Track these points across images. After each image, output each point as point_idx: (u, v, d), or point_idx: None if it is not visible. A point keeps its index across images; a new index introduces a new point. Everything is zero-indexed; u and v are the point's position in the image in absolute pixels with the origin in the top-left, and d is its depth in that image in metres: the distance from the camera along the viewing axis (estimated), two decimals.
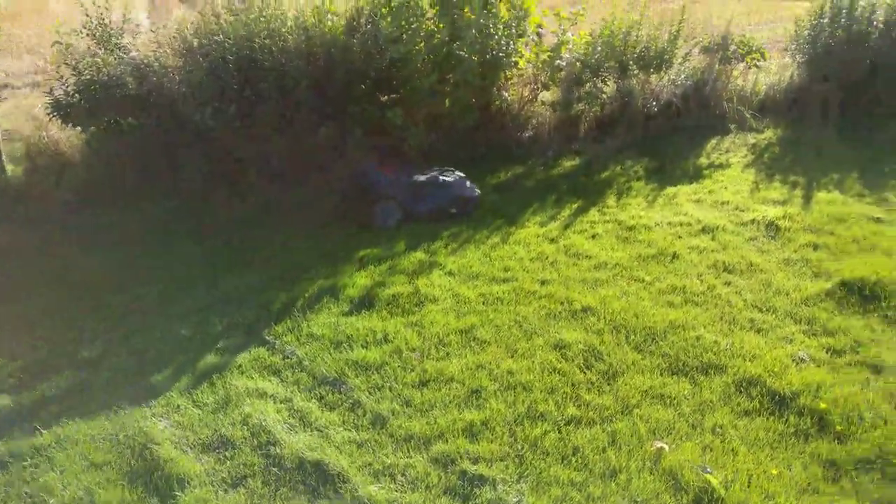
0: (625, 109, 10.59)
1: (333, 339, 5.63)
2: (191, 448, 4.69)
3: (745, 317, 5.71)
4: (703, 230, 7.36)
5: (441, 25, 8.80)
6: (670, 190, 8.64)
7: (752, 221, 7.47)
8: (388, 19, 8.41)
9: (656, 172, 9.40)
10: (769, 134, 10.81)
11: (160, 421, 4.94)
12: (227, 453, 4.61)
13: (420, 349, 5.44)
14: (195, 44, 7.95)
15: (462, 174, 8.41)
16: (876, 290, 5.89)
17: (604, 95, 10.45)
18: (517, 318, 5.82)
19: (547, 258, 6.88)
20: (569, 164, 9.94)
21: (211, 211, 8.32)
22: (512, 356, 5.33)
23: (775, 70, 11.76)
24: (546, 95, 10.37)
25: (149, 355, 5.67)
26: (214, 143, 8.26)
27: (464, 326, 5.70)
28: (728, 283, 6.29)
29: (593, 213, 8.02)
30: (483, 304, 6.07)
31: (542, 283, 6.41)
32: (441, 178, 8.04)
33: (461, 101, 8.97)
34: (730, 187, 8.65)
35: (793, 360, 5.10)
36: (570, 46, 9.62)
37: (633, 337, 5.47)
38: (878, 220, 7.44)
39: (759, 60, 10.83)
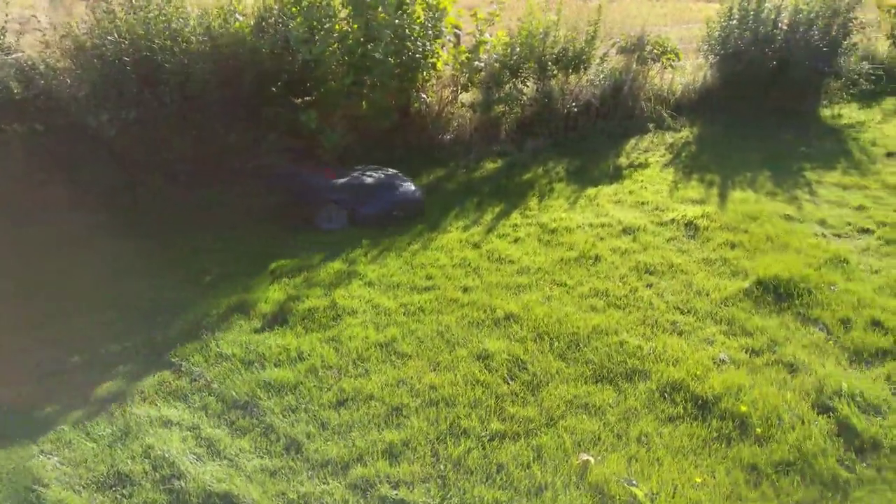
0: (545, 110, 10.58)
1: (244, 358, 5.27)
2: (83, 487, 4.25)
3: (667, 319, 5.69)
4: (625, 231, 7.36)
5: (356, 26, 8.51)
6: (591, 191, 8.64)
7: (672, 221, 7.53)
8: (299, 19, 8.06)
9: (577, 173, 9.40)
10: (686, 133, 11.04)
11: (49, 458, 4.46)
12: (124, 490, 4.20)
13: (337, 367, 5.15)
14: (88, 44, 7.36)
15: (402, 175, 8.23)
16: (789, 287, 5.99)
17: (524, 97, 10.41)
18: (439, 328, 5.61)
19: (469, 264, 6.71)
20: (491, 166, 9.83)
21: (115, 220, 7.75)
22: (434, 369, 5.11)
23: (690, 70, 12.03)
24: (466, 97, 10.23)
25: (38, 383, 5.16)
26: (116, 149, 7.69)
27: (384, 340, 5.44)
28: (650, 285, 6.27)
29: (515, 216, 7.91)
30: (404, 314, 5.83)
31: (465, 290, 6.23)
32: (387, 179, 7.91)
33: (378, 103, 8.71)
34: (649, 187, 8.72)
35: (714, 363, 5.09)
36: (489, 47, 9.50)
37: (556, 344, 5.35)
38: (788, 218, 7.63)
39: (674, 61, 11.03)
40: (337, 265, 6.73)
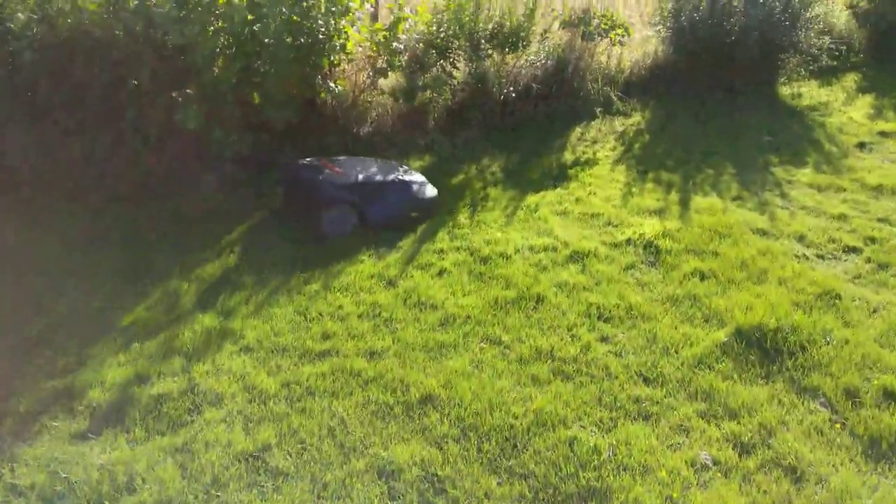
0: (479, 95, 9.11)
1: (48, 489, 3.76)
2: None
3: (628, 394, 4.42)
4: (572, 257, 6.04)
5: (243, 1, 6.81)
6: (532, 199, 7.27)
7: (628, 242, 6.24)
8: None
9: (516, 173, 8.02)
10: (637, 118, 9.76)
11: None
12: None
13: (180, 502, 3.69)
14: None
15: (416, 172, 7.22)
16: (777, 341, 4.79)
17: (454, 80, 8.91)
18: (332, 423, 4.21)
19: (380, 313, 5.29)
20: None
21: None
22: (318, 497, 3.71)
23: (639, 46, 10.71)
24: (387, 83, 8.66)
25: None
26: None
27: (254, 448, 4.01)
28: (605, 339, 4.99)
29: (442, 237, 6.49)
30: (287, 401, 4.39)
31: (372, 355, 4.82)
32: (402, 177, 6.93)
33: (274, 94, 7.08)
34: (599, 192, 7.41)
35: (694, 469, 3.84)
36: (409, 25, 7.93)
37: (486, 446, 4.01)
38: (763, 234, 6.44)
39: (623, 36, 9.67)
40: (208, 320, 5.20)
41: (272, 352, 4.87)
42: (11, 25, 5.88)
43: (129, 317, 5.29)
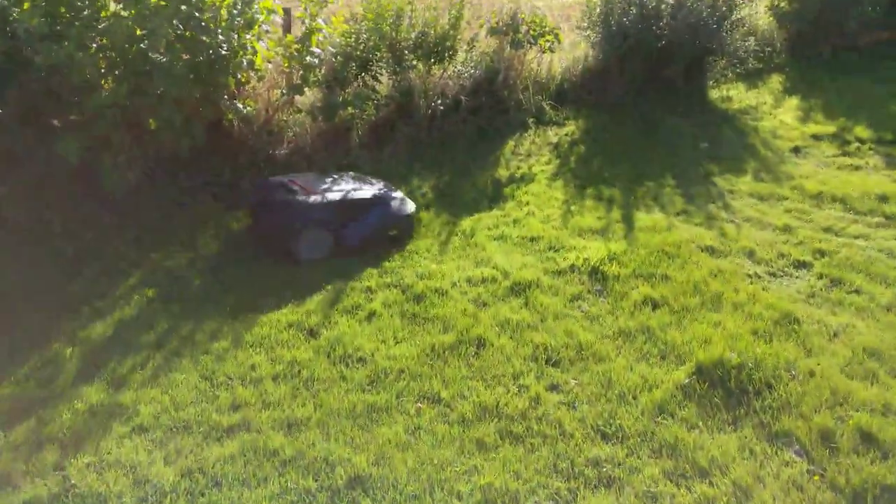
0: (405, 110, 8.51)
1: None
2: None
3: (586, 457, 3.89)
4: (514, 290, 5.50)
5: (132, 12, 5.98)
6: (467, 223, 6.71)
7: (572, 269, 5.75)
8: (26, 6, 5.46)
9: (448, 194, 7.45)
10: (571, 127, 9.34)
11: None
12: None
13: None
14: None
15: (392, 186, 6.74)
16: (741, 379, 4.36)
17: (377, 95, 8.27)
18: None
19: (300, 372, 4.60)
20: None
21: None
22: None
23: (569, 52, 10.32)
24: (304, 100, 7.94)
25: None
26: None
27: None
28: (555, 387, 4.46)
29: (369, 272, 5.84)
30: (187, 496, 3.66)
31: (291, 427, 4.13)
32: (379, 193, 6.42)
33: (172, 118, 6.27)
34: (537, 212, 6.91)
35: None
36: (323, 37, 7.24)
37: None
38: (712, 252, 6.07)
39: (552, 42, 9.23)
40: (93, 393, 4.40)
41: (171, 430, 4.12)
42: None
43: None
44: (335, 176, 6.71)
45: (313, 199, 6.06)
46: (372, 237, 6.20)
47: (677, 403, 4.25)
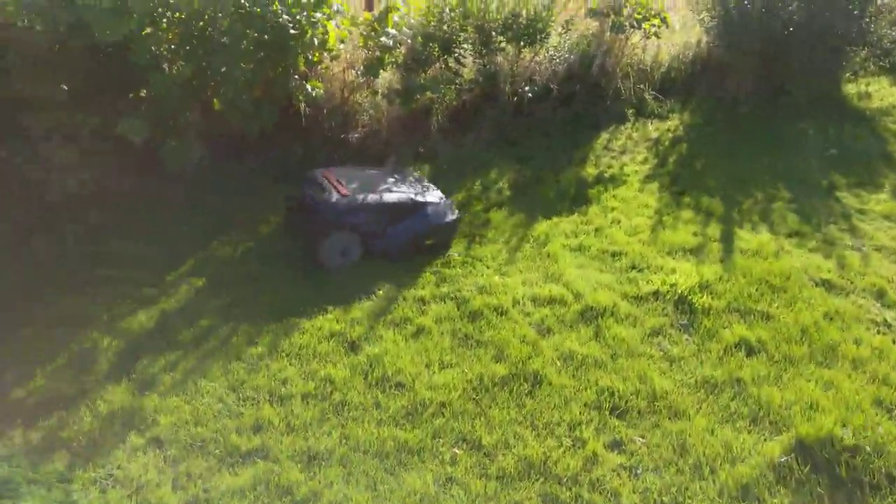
0: (489, 96, 7.88)
1: None
2: None
3: None
4: (584, 316, 4.83)
5: None
6: (542, 227, 6.05)
7: (656, 296, 5.01)
8: None
9: (526, 190, 6.80)
10: (674, 122, 8.40)
11: None
12: None
13: None
14: None
15: (433, 187, 6.03)
16: (855, 466, 3.54)
17: (460, 79, 7.66)
18: None
19: (332, 394, 4.17)
20: None
21: None
22: None
23: (680, 37, 9.29)
24: (383, 82, 7.45)
25: None
26: None
27: None
28: (617, 446, 3.80)
29: (426, 279, 5.33)
30: None
31: (311, 461, 3.71)
32: (417, 198, 5.69)
33: (237, 99, 5.95)
34: (624, 221, 6.15)
35: None
36: (399, 17, 6.68)
37: None
38: (829, 287, 5.13)
39: (660, 28, 8.27)
40: (118, 395, 4.14)
41: (187, 448, 3.79)
42: None
43: (24, 387, 4.26)
44: (376, 174, 6.07)
45: (344, 200, 5.44)
46: (406, 246, 5.57)
47: (767, 487, 3.51)
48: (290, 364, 4.42)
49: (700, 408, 4.01)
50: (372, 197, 5.58)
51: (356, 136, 7.44)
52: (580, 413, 4.00)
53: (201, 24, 5.70)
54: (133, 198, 6.14)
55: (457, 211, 5.90)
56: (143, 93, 6.04)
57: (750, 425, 3.89)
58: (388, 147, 7.57)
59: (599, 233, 5.98)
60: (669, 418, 3.94)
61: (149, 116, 5.83)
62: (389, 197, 5.63)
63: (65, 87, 5.48)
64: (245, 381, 4.27)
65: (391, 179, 5.92)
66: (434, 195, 5.84)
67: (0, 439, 3.85)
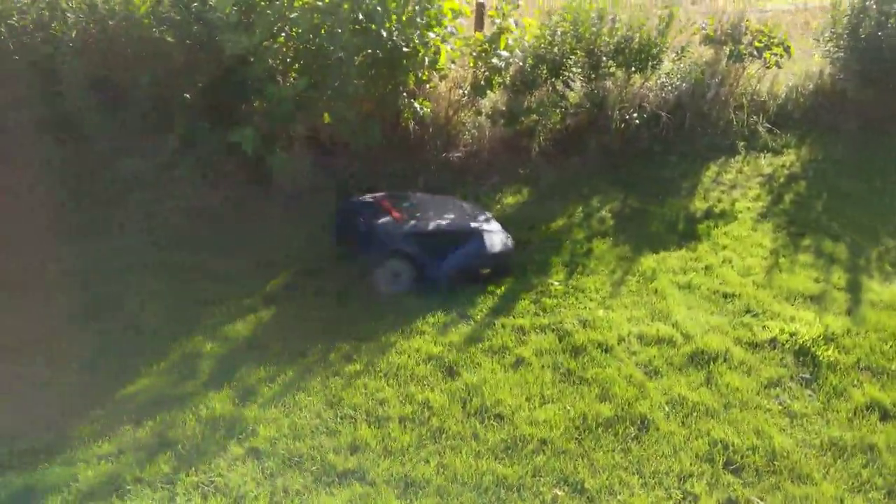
0: (595, 122, 7.70)
1: None
2: None
3: None
4: (694, 359, 4.57)
5: (304, 2, 5.79)
6: (648, 262, 5.81)
7: (773, 344, 4.69)
8: None
9: (631, 222, 6.57)
10: (790, 157, 7.97)
11: None
12: None
13: None
14: None
15: (489, 215, 5.95)
16: None
17: (566, 102, 7.53)
18: None
19: (430, 419, 4.08)
20: (511, 199, 7.09)
21: None
22: None
23: (799, 68, 8.83)
24: (486, 102, 7.41)
25: None
26: None
27: None
28: None
29: (525, 307, 5.19)
30: None
31: (407, 488, 3.63)
32: (472, 225, 5.62)
33: (346, 115, 6.03)
34: (736, 260, 5.83)
35: None
36: (515, 37, 6.62)
37: None
38: None
39: (781, 57, 7.88)
40: (218, 402, 4.20)
41: (285, 463, 3.78)
42: (55, 26, 5.14)
43: (134, 385, 4.39)
44: (433, 200, 5.99)
45: (399, 226, 5.37)
46: (460, 274, 5.44)
47: None
48: (387, 384, 4.37)
49: (827, 473, 3.69)
50: (425, 223, 5.50)
51: (458, 155, 7.42)
52: (690, 464, 3.75)
53: (317, 39, 5.82)
54: (237, 207, 6.33)
55: (512, 242, 5.71)
56: (255, 104, 6.23)
57: (885, 498, 3.54)
58: (489, 168, 7.52)
59: (710, 271, 5.68)
60: (792, 481, 3.64)
61: (260, 127, 6.00)
62: (446, 225, 5.55)
63: (187, 96, 5.71)
64: (343, 399, 4.24)
65: (447, 206, 5.85)
66: (491, 224, 5.71)
67: (110, 436, 3.96)
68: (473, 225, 5.58)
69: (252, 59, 5.73)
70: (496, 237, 5.60)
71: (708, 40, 7.79)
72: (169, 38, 5.48)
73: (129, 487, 3.61)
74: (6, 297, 5.13)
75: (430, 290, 5.33)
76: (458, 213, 5.81)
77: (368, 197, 5.86)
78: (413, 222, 5.46)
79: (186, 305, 5.18)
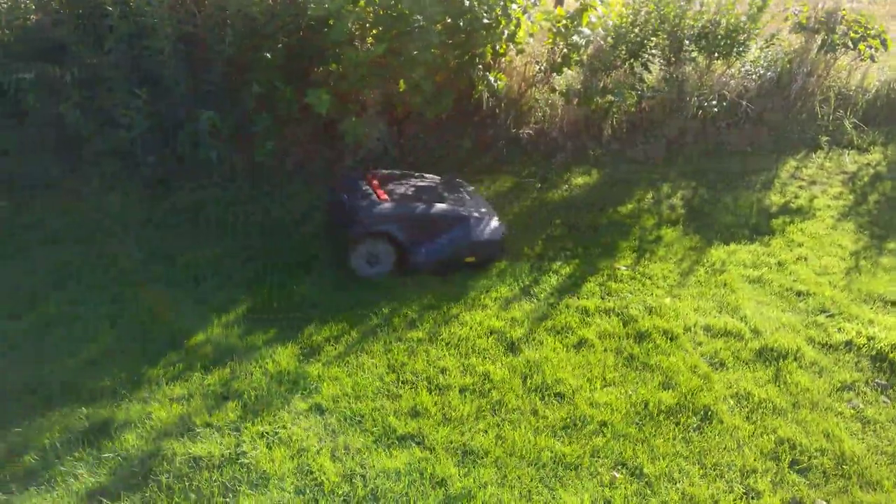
0: (671, 106, 7.52)
1: None
2: None
3: None
4: (762, 355, 4.46)
5: None
6: (718, 253, 5.67)
7: (848, 346, 4.53)
8: None
9: (702, 212, 6.41)
10: (877, 155, 7.64)
11: None
12: None
13: None
14: None
15: (482, 200, 5.69)
16: None
17: (643, 85, 7.35)
18: None
19: (490, 392, 4.10)
20: (580, 180, 6.99)
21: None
22: None
23: (894, 62, 8.40)
24: (560, 80, 7.29)
25: None
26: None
27: None
28: None
29: (591, 289, 5.14)
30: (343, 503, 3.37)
31: (465, 456, 3.66)
32: (461, 210, 5.33)
33: (421, 83, 6.02)
34: (812, 258, 5.64)
35: None
36: (599, 16, 6.47)
37: None
38: None
39: (877, 50, 7.50)
40: (284, 357, 4.30)
41: (346, 421, 3.86)
42: None
43: (202, 333, 4.53)
44: (421, 179, 5.68)
45: (381, 206, 5.11)
46: (445, 260, 5.22)
47: None
48: (448, 354, 4.40)
49: None
50: (413, 205, 5.26)
51: (528, 132, 7.34)
52: (754, 460, 3.68)
53: (399, 4, 5.79)
54: (305, 166, 6.42)
55: (502, 229, 5.41)
56: (332, 67, 6.26)
57: None
58: (558, 147, 7.43)
59: (783, 268, 5.51)
60: (861, 487, 3.53)
61: (335, 90, 6.04)
62: (432, 207, 5.27)
63: (268, 55, 5.78)
64: (405, 364, 4.29)
65: (438, 189, 5.55)
66: (479, 209, 5.42)
67: (181, 380, 4.11)
68: (462, 211, 5.31)
69: (332, 22, 5.74)
70: (485, 224, 5.34)
71: (799, 27, 7.48)
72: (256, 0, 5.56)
73: (198, 430, 3.74)
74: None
75: (411, 275, 5.18)
76: (450, 198, 5.48)
77: (356, 173, 5.67)
78: (397, 204, 5.22)
79: (251, 264, 5.31)
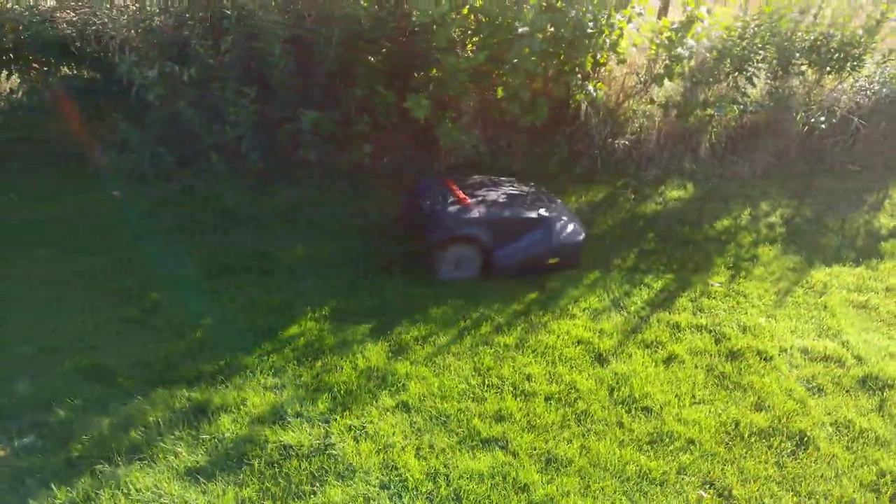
0: (774, 121, 7.25)
1: None
2: None
3: None
4: (865, 383, 4.25)
5: None
6: (819, 275, 5.44)
7: None
8: None
9: (803, 232, 6.16)
10: None
11: None
12: None
13: None
14: None
15: (562, 204, 5.71)
16: None
17: (746, 99, 7.12)
18: None
19: (576, 402, 4.09)
20: (674, 193, 6.86)
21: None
22: None
23: None
24: (660, 92, 7.17)
25: None
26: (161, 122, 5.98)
27: None
28: None
29: (683, 304, 5.04)
30: (427, 500, 3.45)
31: (549, 463, 3.67)
32: (542, 213, 5.36)
33: (519, 91, 6.08)
34: None
35: None
36: (701, 28, 6.33)
37: None
38: None
39: None
40: (374, 354, 4.44)
41: (432, 420, 3.95)
42: None
43: (296, 327, 4.73)
44: (502, 184, 5.66)
45: (466, 211, 5.16)
46: (528, 262, 5.23)
47: None
48: (535, 361, 4.42)
49: None
50: (496, 208, 5.26)
51: (624, 143, 7.26)
52: (853, 492, 3.51)
53: (503, 12, 5.86)
54: (402, 170, 6.59)
55: (583, 233, 5.40)
56: (432, 72, 6.39)
57: None
58: (654, 159, 7.31)
59: (891, 293, 5.23)
60: None
61: (433, 96, 6.17)
62: (513, 209, 5.29)
63: (371, 59, 5.98)
64: (491, 369, 4.34)
65: (517, 191, 5.55)
66: (561, 213, 5.41)
67: (275, 371, 4.30)
68: (543, 212, 5.33)
69: (435, 28, 5.88)
70: (566, 226, 5.35)
71: None
72: (362, 2, 5.76)
73: (289, 420, 3.91)
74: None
75: (501, 278, 5.22)
76: (528, 198, 5.52)
77: (435, 178, 5.72)
78: (481, 207, 5.24)
79: (347, 265, 5.49)
